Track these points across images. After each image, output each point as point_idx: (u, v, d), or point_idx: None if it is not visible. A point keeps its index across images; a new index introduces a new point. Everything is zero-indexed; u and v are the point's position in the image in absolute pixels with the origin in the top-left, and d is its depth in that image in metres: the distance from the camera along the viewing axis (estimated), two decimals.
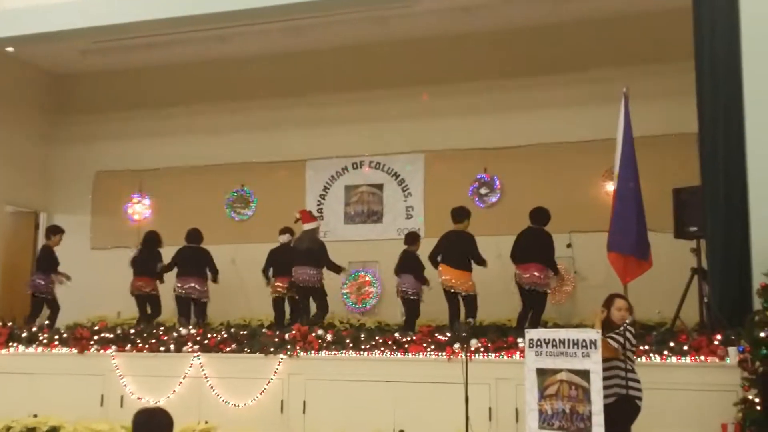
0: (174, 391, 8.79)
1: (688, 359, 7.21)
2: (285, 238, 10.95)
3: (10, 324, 10.17)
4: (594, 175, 10.90)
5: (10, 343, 9.78)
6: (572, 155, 11.11)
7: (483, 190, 11.67)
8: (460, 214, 9.83)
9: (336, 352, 8.48)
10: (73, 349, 9.48)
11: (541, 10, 10.85)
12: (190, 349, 8.99)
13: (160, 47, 12.07)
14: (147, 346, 9.25)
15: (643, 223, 8.19)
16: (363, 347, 8.43)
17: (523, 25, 11.32)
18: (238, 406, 8.56)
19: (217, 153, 12.74)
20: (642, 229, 8.18)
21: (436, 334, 8.33)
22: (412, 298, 10.00)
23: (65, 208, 13.49)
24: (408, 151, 12.04)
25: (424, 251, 10.15)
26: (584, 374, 5.82)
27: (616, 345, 6.00)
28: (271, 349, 8.64)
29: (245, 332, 9.20)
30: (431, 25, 11.38)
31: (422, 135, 11.86)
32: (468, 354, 7.33)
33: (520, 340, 7.58)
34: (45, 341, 9.75)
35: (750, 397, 6.52)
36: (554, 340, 6.02)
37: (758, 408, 6.34)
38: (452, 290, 9.51)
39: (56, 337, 9.76)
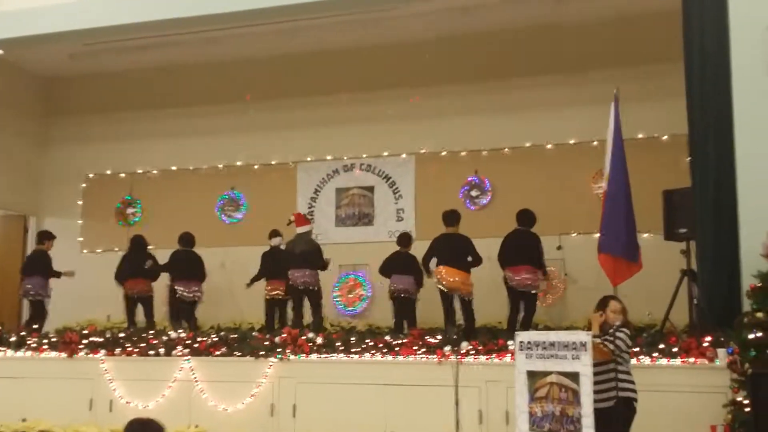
0: (164, 395, 8.76)
1: (677, 361, 7.21)
2: (277, 240, 10.93)
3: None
4: (584, 176, 10.92)
5: None
6: (563, 157, 11.14)
7: (474, 192, 11.67)
8: (454, 217, 9.83)
9: (326, 355, 8.46)
10: (63, 353, 9.43)
11: (531, 12, 10.87)
12: (180, 353, 8.95)
13: (150, 50, 12.04)
14: (136, 349, 9.21)
15: (633, 224, 8.20)
16: (353, 350, 8.41)
17: (513, 27, 11.33)
18: (228, 409, 8.53)
19: (207, 156, 12.73)
20: (632, 231, 8.19)
21: (427, 337, 8.31)
22: (412, 298, 9.99)
23: (55, 212, 13.45)
24: (399, 154, 12.03)
25: (416, 253, 10.16)
26: (574, 377, 5.81)
27: (606, 348, 5.99)
28: (262, 353, 8.61)
29: (235, 336, 9.17)
30: (422, 28, 11.38)
31: (413, 137, 11.85)
32: (458, 357, 7.33)
33: (510, 342, 7.57)
34: (34, 345, 9.70)
35: (739, 399, 6.53)
36: (544, 342, 6.01)
37: (747, 410, 6.34)
38: (453, 292, 9.49)
39: (45, 341, 9.71)
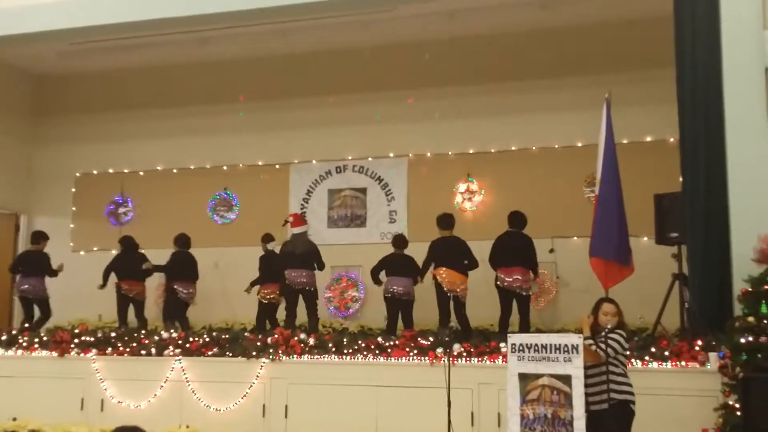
0: (155, 395, 8.75)
1: (669, 365, 7.26)
2: (273, 245, 10.93)
3: None
4: (576, 180, 10.96)
5: None
6: (555, 160, 11.17)
7: (466, 195, 11.68)
8: (450, 220, 9.87)
9: (318, 357, 8.47)
10: (53, 352, 9.41)
11: (524, 16, 10.90)
12: (171, 353, 8.94)
13: (142, 49, 12.02)
14: (128, 349, 9.20)
15: (624, 228, 8.22)
16: (345, 351, 8.42)
17: (506, 30, 11.37)
18: (220, 410, 8.52)
19: (200, 156, 12.72)
20: (624, 234, 8.21)
21: (419, 339, 8.33)
22: (411, 300, 10.01)
23: (46, 211, 13.40)
24: (391, 155, 12.04)
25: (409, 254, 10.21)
26: (566, 379, 5.85)
27: (598, 351, 6.02)
28: (254, 353, 8.61)
29: (227, 336, 9.17)
30: (415, 30, 11.40)
31: (406, 139, 11.87)
32: (451, 358, 7.34)
33: (502, 344, 7.61)
34: (25, 344, 9.67)
35: (730, 403, 6.58)
36: (536, 345, 6.05)
37: (738, 413, 6.38)
38: (455, 294, 9.52)
39: (36, 340, 9.68)
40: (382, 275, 10.08)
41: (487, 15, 10.90)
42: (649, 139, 10.72)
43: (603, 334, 6.14)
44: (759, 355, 6.44)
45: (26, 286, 11.05)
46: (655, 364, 7.29)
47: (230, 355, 8.77)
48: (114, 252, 11.69)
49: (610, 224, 8.13)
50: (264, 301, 10.67)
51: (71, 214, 13.33)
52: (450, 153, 11.74)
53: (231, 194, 12.74)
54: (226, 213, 12.72)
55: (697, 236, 7.76)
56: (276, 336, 8.76)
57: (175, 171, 12.85)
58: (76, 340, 9.45)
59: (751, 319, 6.61)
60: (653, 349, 7.40)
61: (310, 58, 12.24)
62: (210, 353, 8.86)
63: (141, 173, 13.07)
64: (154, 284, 11.78)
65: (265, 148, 12.45)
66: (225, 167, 12.69)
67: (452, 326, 9.42)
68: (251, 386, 8.49)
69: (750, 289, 6.75)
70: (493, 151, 11.53)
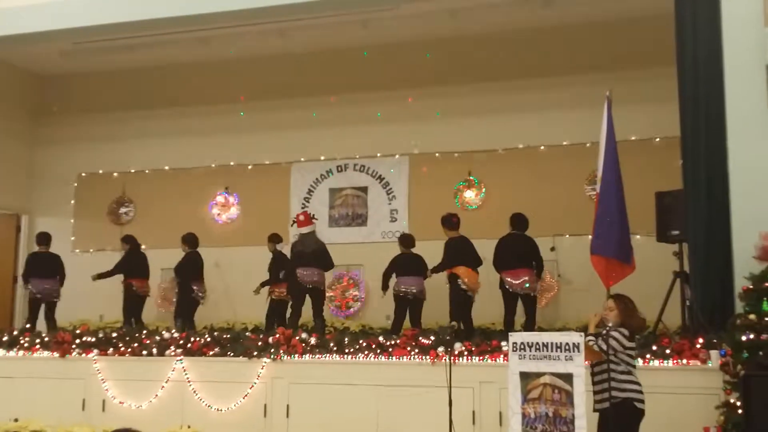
0: (156, 395, 8.74)
1: (670, 363, 7.24)
2: (281, 245, 10.91)
3: None
4: (578, 178, 10.95)
5: None
6: (556, 159, 11.16)
7: (467, 194, 11.68)
8: (458, 221, 9.85)
9: (320, 356, 8.46)
10: (55, 352, 9.41)
11: (525, 14, 10.88)
12: (172, 353, 8.94)
13: (143, 49, 12.01)
14: (129, 349, 9.20)
15: (626, 226, 8.20)
16: (347, 351, 8.40)
17: (507, 28, 11.35)
18: (221, 410, 8.51)
19: (201, 155, 12.72)
20: (625, 232, 8.20)
21: (420, 338, 8.32)
22: (423, 299, 10.04)
23: (47, 211, 13.41)
24: (392, 154, 12.03)
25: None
26: (567, 378, 5.83)
27: (598, 348, 6.00)
28: (255, 353, 8.61)
29: (228, 336, 9.16)
30: (415, 29, 11.39)
31: (407, 138, 11.86)
32: (452, 357, 7.33)
33: (503, 343, 7.60)
34: (26, 345, 9.67)
35: (732, 401, 6.56)
36: (537, 343, 6.02)
37: (740, 411, 6.37)
38: (470, 293, 9.56)
39: (37, 340, 9.68)
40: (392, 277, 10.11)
41: (488, 13, 10.89)
42: (650, 136, 10.70)
43: (604, 332, 6.12)
44: (760, 353, 6.42)
45: (46, 287, 11.05)
46: (656, 362, 7.27)
47: (231, 354, 8.75)
48: (109, 250, 11.70)
49: (612, 222, 8.12)
50: (276, 300, 10.63)
51: (72, 215, 13.33)
52: (451, 152, 11.72)
53: (232, 194, 12.72)
54: (226, 213, 12.71)
55: (698, 234, 7.75)
56: (277, 335, 8.75)
57: (176, 171, 12.84)
58: (78, 341, 9.45)
59: (752, 316, 6.59)
60: (654, 347, 7.38)
61: (311, 57, 12.24)
62: (211, 353, 8.85)
63: (142, 173, 13.07)
64: (154, 284, 11.79)
65: (266, 147, 12.45)
66: (226, 167, 12.67)
67: (453, 325, 9.41)
68: (252, 386, 8.48)
69: (751, 287, 6.74)
70: (494, 149, 11.52)
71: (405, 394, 7.96)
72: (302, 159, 12.41)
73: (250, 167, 12.59)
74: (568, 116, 11.02)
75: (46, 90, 13.85)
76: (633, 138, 10.51)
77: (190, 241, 11.06)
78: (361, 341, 8.49)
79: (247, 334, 9.38)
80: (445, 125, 11.67)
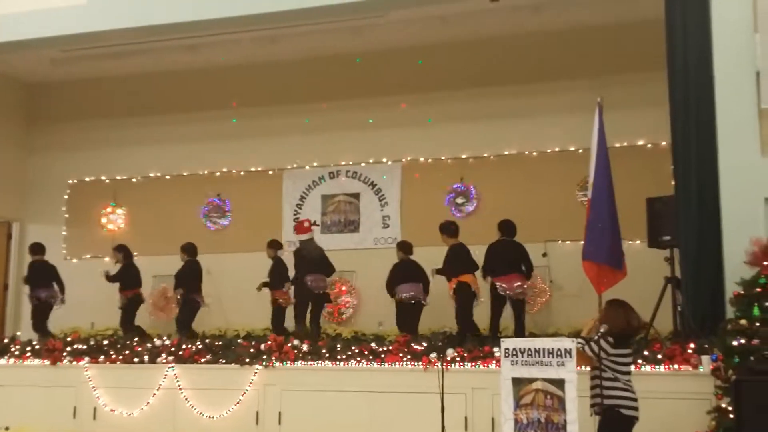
0: (148, 402, 8.72)
1: (661, 368, 7.26)
2: (282, 251, 10.88)
3: None
4: (569, 184, 10.97)
5: None
6: (548, 164, 11.18)
7: (459, 200, 11.69)
8: (457, 228, 9.86)
9: (312, 363, 8.44)
10: (46, 360, 9.37)
11: (515, 20, 10.90)
12: (164, 360, 8.91)
13: (133, 56, 12.00)
14: (120, 357, 9.17)
15: (617, 232, 8.23)
16: (339, 357, 8.40)
17: (498, 34, 11.36)
18: (213, 417, 8.50)
19: (193, 162, 12.69)
20: (616, 238, 8.23)
21: (413, 344, 8.32)
22: (422, 303, 10.03)
23: (39, 218, 13.35)
24: (384, 161, 12.04)
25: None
26: (559, 383, 5.83)
27: (590, 353, 6.00)
28: (247, 360, 8.59)
29: (220, 343, 9.14)
30: (407, 35, 11.40)
31: (399, 144, 11.87)
32: (444, 363, 7.33)
33: (496, 349, 7.60)
34: (17, 353, 9.63)
35: (723, 406, 6.57)
36: (530, 349, 6.03)
37: (731, 416, 6.38)
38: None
39: (28, 348, 9.64)
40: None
41: (480, 19, 10.89)
42: (641, 142, 10.75)
43: (597, 336, 6.11)
44: (751, 358, 6.45)
45: (46, 294, 11.07)
46: (648, 368, 7.28)
47: (223, 362, 8.74)
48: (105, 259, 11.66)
49: (603, 228, 8.15)
50: (283, 306, 10.58)
51: (64, 222, 13.29)
52: (443, 158, 11.73)
53: (224, 200, 12.71)
54: (219, 219, 12.69)
55: (689, 239, 7.77)
56: (269, 342, 8.73)
57: (167, 177, 12.81)
58: (69, 348, 9.42)
59: (743, 321, 6.62)
60: (646, 353, 7.40)
61: (303, 64, 12.23)
62: (203, 360, 8.84)
63: (134, 180, 13.03)
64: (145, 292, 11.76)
65: (257, 154, 12.43)
66: (218, 173, 12.66)
67: (446, 331, 9.41)
68: (244, 393, 8.46)
69: (742, 292, 6.78)
70: (486, 155, 11.53)
71: (397, 401, 7.96)
72: (294, 165, 12.40)
73: (242, 174, 12.57)
74: (560, 122, 11.04)
75: (37, 98, 13.80)
76: (624, 144, 10.55)
77: (190, 250, 11.04)
78: (353, 348, 8.49)
79: (239, 341, 9.36)
80: (437, 131, 11.68)
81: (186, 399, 8.62)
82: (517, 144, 11.36)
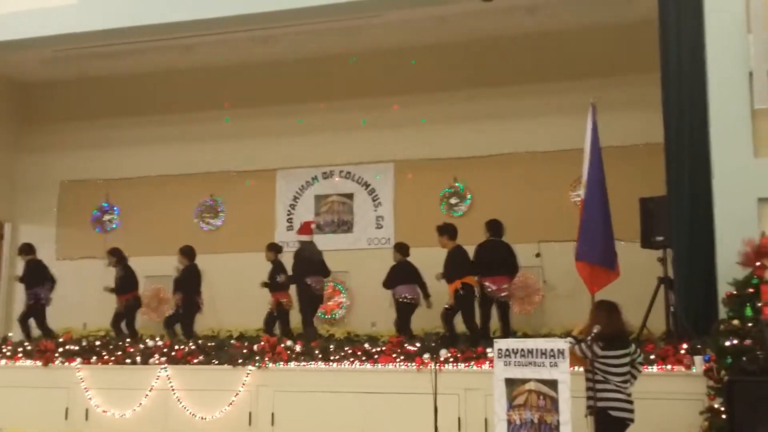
0: (140, 403, 8.69)
1: (654, 368, 7.26)
2: (282, 255, 10.86)
3: None
4: (562, 184, 10.98)
5: None
6: (541, 165, 11.18)
7: (453, 200, 11.69)
8: (456, 230, 9.81)
9: (305, 363, 8.42)
10: (38, 361, 9.34)
11: (510, 22, 10.90)
12: (156, 361, 8.89)
13: (126, 56, 11.96)
14: (113, 358, 9.13)
15: (610, 232, 8.24)
16: (332, 358, 8.39)
17: (491, 36, 11.37)
18: (206, 418, 8.48)
19: (186, 162, 12.65)
20: (609, 238, 8.23)
21: (406, 345, 8.31)
22: (414, 304, 9.99)
23: (30, 218, 13.31)
24: (378, 161, 12.03)
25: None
26: (552, 384, 5.84)
27: (580, 353, 6.01)
28: (240, 361, 8.56)
29: (213, 344, 9.12)
30: (402, 36, 11.40)
31: (392, 145, 11.86)
32: (437, 364, 7.33)
33: (489, 350, 7.59)
34: (8, 353, 9.59)
35: (716, 406, 6.59)
36: (522, 350, 6.04)
37: (723, 416, 6.39)
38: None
39: (20, 349, 9.60)
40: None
41: (473, 21, 10.90)
42: (634, 143, 10.74)
43: (589, 338, 6.10)
44: (744, 358, 6.46)
45: (43, 294, 11.04)
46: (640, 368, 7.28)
47: (216, 362, 8.72)
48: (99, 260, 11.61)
49: (596, 228, 8.15)
50: (288, 309, 10.52)
51: (56, 222, 13.24)
52: (436, 158, 11.72)
53: (217, 201, 12.68)
54: (212, 220, 12.66)
55: (682, 240, 7.79)
56: (262, 343, 8.71)
57: (160, 177, 12.77)
58: (61, 349, 9.37)
59: (736, 322, 6.63)
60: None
61: (296, 64, 12.21)
62: (195, 361, 8.81)
63: (126, 180, 12.99)
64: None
65: (251, 154, 12.41)
66: (211, 174, 12.63)
67: (439, 332, 9.40)
68: (237, 394, 8.44)
69: (735, 292, 6.79)
70: (479, 155, 11.53)
71: (391, 402, 7.95)
72: (288, 166, 12.37)
73: (235, 174, 12.54)
74: (553, 123, 11.04)
75: (29, 98, 13.75)
76: (617, 144, 10.53)
77: (189, 253, 10.95)
78: (346, 348, 8.47)
79: (231, 341, 9.34)
80: (430, 132, 11.67)
81: (179, 400, 8.59)
82: (510, 144, 11.36)
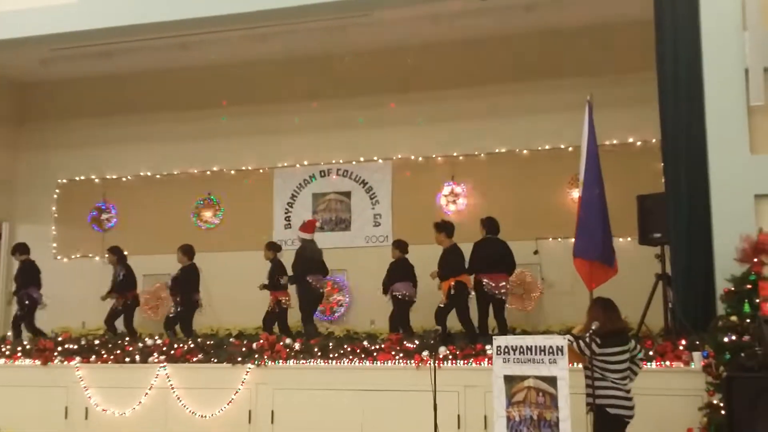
0: (140, 402, 8.71)
1: (653, 364, 7.29)
2: (281, 254, 10.86)
3: None
4: (560, 182, 11.01)
5: None
6: (538, 163, 11.21)
7: (450, 198, 11.70)
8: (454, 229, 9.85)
9: (304, 361, 8.44)
10: (37, 360, 9.34)
11: (507, 19, 10.91)
12: (155, 360, 8.90)
13: (123, 55, 11.95)
14: (112, 357, 9.14)
15: (608, 229, 8.25)
16: (331, 356, 8.40)
17: (488, 34, 11.37)
18: (206, 417, 8.49)
19: (183, 161, 12.66)
20: (607, 235, 8.24)
21: (405, 342, 8.32)
22: (409, 300, 9.97)
23: (28, 218, 13.29)
24: (376, 159, 12.04)
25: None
26: (551, 381, 5.86)
27: (578, 350, 6.02)
28: (239, 359, 8.58)
29: (212, 342, 9.12)
30: (398, 34, 11.40)
31: (389, 143, 11.87)
32: (436, 361, 7.34)
33: (488, 347, 7.61)
34: (7, 353, 9.59)
35: (714, 402, 6.61)
36: (521, 347, 6.05)
37: (722, 412, 6.41)
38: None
39: (19, 348, 9.60)
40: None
41: (471, 18, 10.90)
42: (631, 140, 10.79)
43: (587, 335, 6.12)
44: (742, 354, 6.47)
45: (37, 295, 11.00)
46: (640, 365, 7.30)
47: (215, 361, 8.73)
48: (95, 258, 11.60)
49: (594, 225, 8.16)
50: (287, 307, 10.48)
51: (54, 221, 13.23)
52: (434, 156, 11.74)
53: (215, 199, 12.68)
54: (209, 218, 12.66)
55: (679, 236, 7.80)
56: (261, 341, 8.72)
57: (158, 176, 12.79)
58: (60, 348, 9.38)
59: (734, 318, 6.65)
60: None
61: (293, 62, 12.21)
62: (195, 360, 8.82)
63: (124, 179, 13.00)
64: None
65: (248, 152, 12.41)
66: (208, 172, 12.64)
67: (438, 329, 9.41)
68: (237, 392, 8.45)
69: (733, 289, 6.81)
70: (476, 153, 11.55)
71: (390, 399, 7.97)
72: (285, 164, 12.38)
73: (232, 173, 12.55)
74: (550, 120, 11.06)
75: (26, 97, 13.74)
76: (614, 141, 10.60)
77: (189, 252, 10.91)
78: (345, 346, 8.49)
79: (230, 340, 9.34)
80: (427, 130, 11.68)
81: (178, 398, 8.60)
82: (507, 142, 11.38)
